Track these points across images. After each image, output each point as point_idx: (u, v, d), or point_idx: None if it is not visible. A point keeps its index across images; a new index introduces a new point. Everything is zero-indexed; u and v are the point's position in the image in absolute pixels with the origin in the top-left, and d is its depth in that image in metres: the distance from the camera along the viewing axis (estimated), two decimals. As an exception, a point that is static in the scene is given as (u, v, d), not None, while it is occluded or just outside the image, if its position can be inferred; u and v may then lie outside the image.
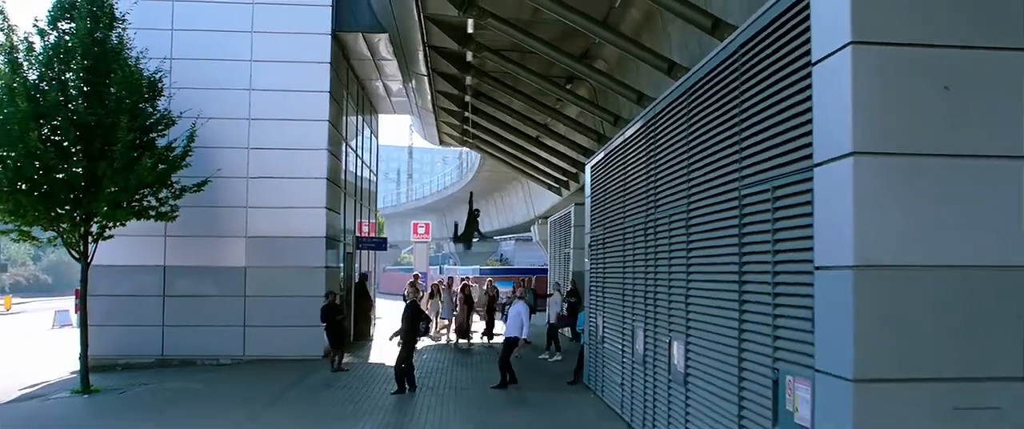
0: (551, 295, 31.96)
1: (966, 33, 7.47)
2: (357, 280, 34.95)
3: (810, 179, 8.22)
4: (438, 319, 34.49)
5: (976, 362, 7.35)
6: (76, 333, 23.23)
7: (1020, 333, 7.37)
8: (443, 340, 34.12)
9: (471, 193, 43.68)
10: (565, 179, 38.98)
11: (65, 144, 21.04)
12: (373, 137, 42.24)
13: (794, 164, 8.75)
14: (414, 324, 21.81)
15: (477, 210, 38.80)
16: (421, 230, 52.14)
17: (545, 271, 48.84)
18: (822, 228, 7.93)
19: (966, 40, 7.47)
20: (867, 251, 7.28)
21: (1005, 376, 7.37)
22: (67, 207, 21.35)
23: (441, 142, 46.89)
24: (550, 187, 43.01)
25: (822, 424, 7.91)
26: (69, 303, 51.78)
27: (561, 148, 34.94)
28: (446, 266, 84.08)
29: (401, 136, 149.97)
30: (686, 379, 12.58)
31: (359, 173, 36.76)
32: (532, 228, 65.86)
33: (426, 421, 17.78)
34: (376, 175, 43.59)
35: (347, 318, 29.54)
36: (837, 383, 7.53)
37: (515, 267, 74.09)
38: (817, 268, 7.97)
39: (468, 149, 56.30)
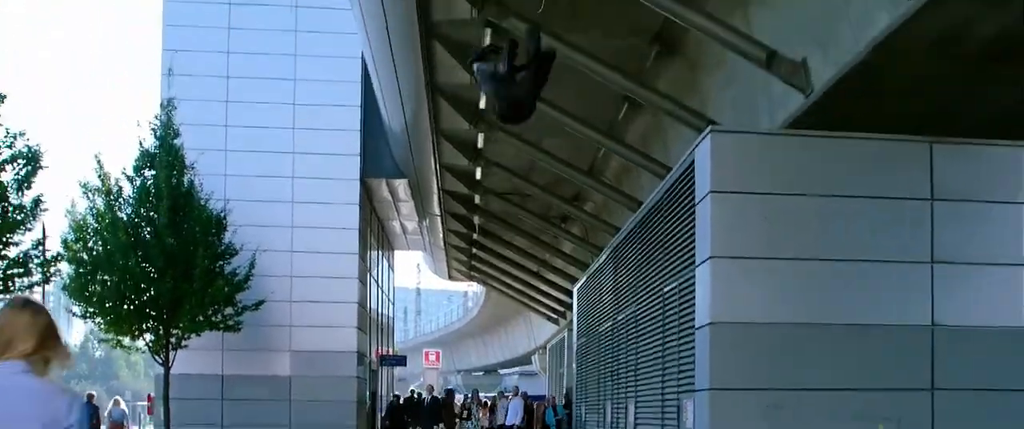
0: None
1: (776, 186, 12.72)
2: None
3: (693, 275, 13.36)
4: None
5: (781, 378, 12.43)
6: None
7: (817, 359, 12.48)
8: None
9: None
10: (562, 309, 42.74)
11: (151, 271, 25.90)
12: (391, 271, 47.22)
13: (691, 266, 13.85)
14: (432, 418, 26.71)
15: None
16: (432, 358, 56.69)
17: (544, 398, 52.92)
18: (698, 302, 13.04)
19: (777, 189, 12.71)
20: (715, 313, 12.42)
21: (801, 387, 12.46)
22: (152, 321, 26.20)
23: (450, 276, 51.33)
24: (549, 318, 47.24)
25: (697, 422, 12.92)
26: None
27: (558, 280, 39.17)
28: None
29: (410, 278, 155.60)
30: (636, 427, 17.49)
31: (380, 303, 41.61)
32: (533, 358, 69.83)
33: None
34: (393, 305, 48.46)
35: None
36: (703, 394, 12.59)
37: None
38: (697, 328, 13.04)
39: (474, 287, 60.57)
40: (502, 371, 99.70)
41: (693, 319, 13.40)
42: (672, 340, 14.82)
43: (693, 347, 13.34)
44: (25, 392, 3.80)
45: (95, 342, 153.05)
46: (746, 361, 12.49)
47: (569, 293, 38.11)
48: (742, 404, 12.45)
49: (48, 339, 3.94)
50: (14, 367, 3.82)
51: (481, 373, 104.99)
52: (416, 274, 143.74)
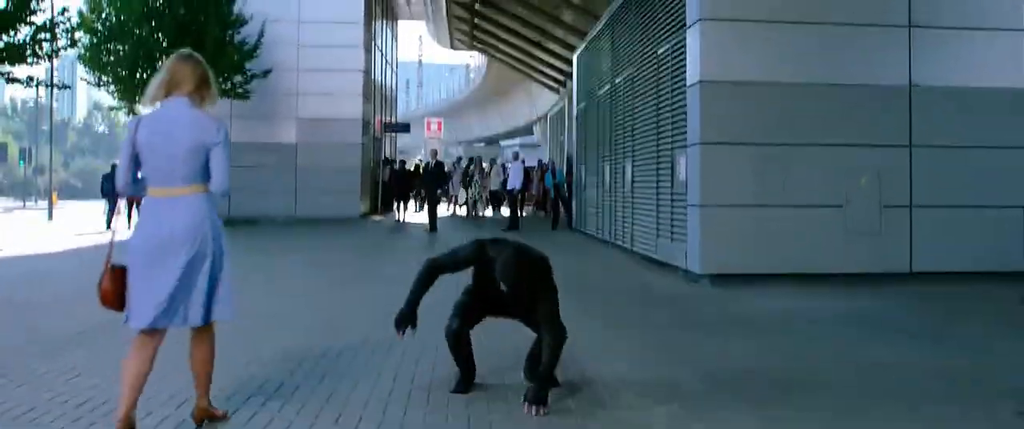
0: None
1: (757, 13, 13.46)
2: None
3: (684, 39, 14.19)
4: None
5: (767, 133, 13.40)
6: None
7: (801, 116, 13.41)
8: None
9: None
10: (563, 78, 43.87)
11: (163, 41, 26.56)
12: (394, 41, 47.76)
13: (683, 28, 14.63)
14: (435, 182, 27.80)
15: None
16: (434, 127, 57.48)
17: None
18: (689, 62, 13.93)
19: (756, 17, 13.45)
20: (704, 73, 13.33)
21: (787, 143, 13.43)
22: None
23: (452, 46, 51.94)
24: (549, 87, 48.10)
25: (689, 174, 13.93)
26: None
27: (558, 50, 39.91)
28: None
29: (411, 52, 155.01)
30: (633, 186, 18.53)
31: (383, 73, 42.27)
32: (534, 128, 70.90)
33: (454, 238, 23.68)
34: (396, 75, 49.15)
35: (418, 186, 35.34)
36: (694, 149, 13.57)
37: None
38: (688, 86, 13.93)
39: (476, 60, 60.83)
40: (503, 142, 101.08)
41: (685, 79, 14.29)
42: (665, 99, 15.74)
43: (685, 105, 14.26)
44: (187, 119, 5.43)
45: (99, 117, 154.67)
46: (735, 117, 13.49)
47: (569, 62, 38.98)
48: (731, 157, 13.46)
49: (203, 84, 5.59)
50: (180, 102, 5.48)
51: (482, 144, 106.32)
52: (418, 46, 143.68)
